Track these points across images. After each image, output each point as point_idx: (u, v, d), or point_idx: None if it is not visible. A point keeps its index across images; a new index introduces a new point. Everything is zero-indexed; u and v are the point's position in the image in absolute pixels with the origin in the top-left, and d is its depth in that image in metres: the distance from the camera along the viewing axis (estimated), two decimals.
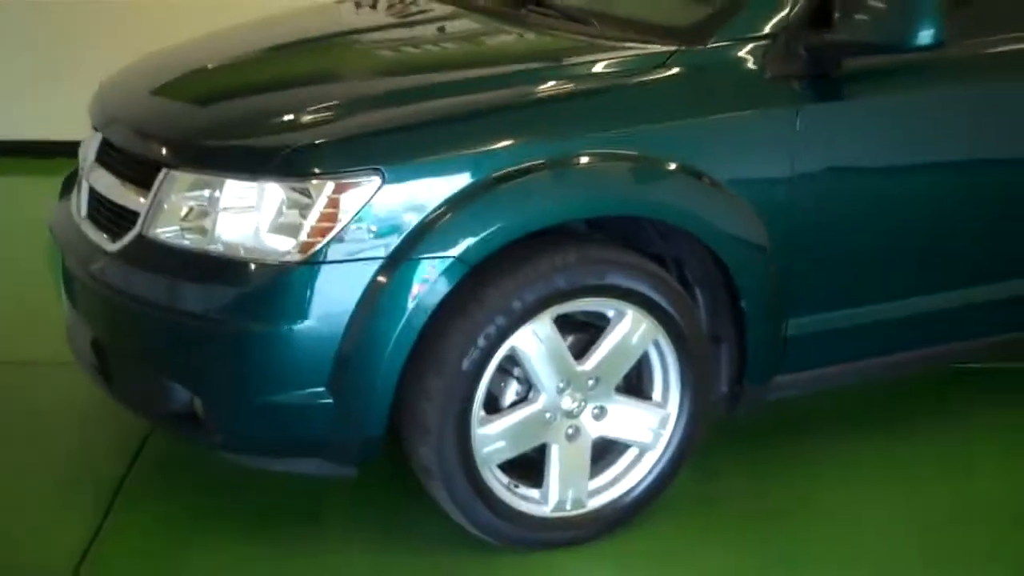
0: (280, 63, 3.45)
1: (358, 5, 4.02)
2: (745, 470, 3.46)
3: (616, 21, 3.27)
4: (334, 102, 2.97)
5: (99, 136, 3.26)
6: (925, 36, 2.88)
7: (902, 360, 3.44)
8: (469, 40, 3.48)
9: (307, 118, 2.90)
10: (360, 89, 3.12)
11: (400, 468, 3.01)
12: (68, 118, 4.51)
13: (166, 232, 2.87)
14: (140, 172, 2.98)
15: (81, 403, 3.68)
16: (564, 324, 2.96)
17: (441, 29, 3.53)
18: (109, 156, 3.18)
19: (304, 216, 2.71)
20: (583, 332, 3.02)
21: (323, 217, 2.69)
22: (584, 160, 2.84)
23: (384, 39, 3.61)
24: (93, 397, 3.39)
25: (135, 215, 2.95)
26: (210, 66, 3.42)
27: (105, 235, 3.06)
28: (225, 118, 3.06)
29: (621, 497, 3.11)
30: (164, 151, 2.93)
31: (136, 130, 3.10)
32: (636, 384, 3.11)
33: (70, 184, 3.48)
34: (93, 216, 3.18)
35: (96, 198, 3.18)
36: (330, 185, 2.69)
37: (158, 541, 3.12)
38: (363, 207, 2.69)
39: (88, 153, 3.29)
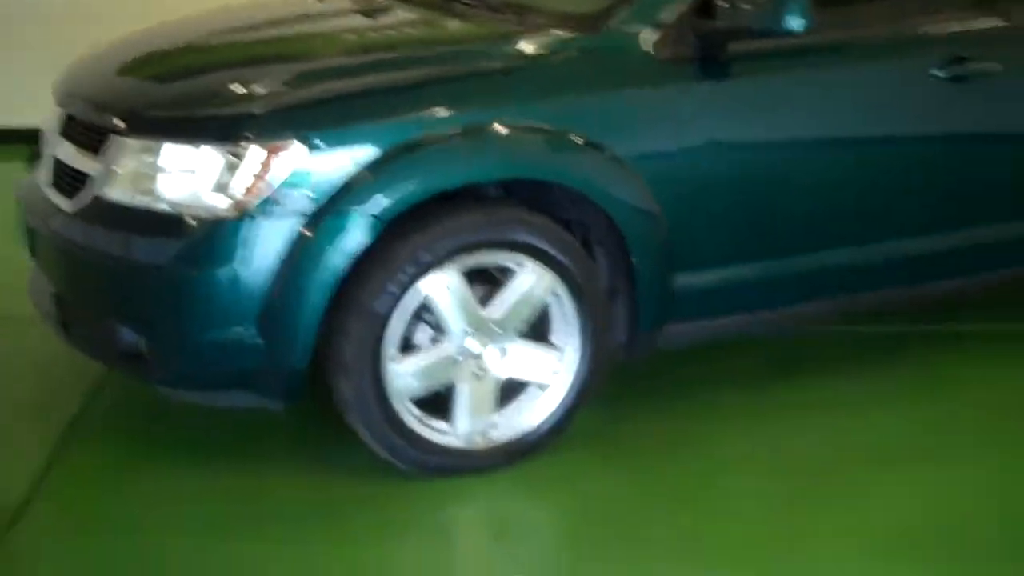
0: (224, 47, 3.83)
1: None
2: (649, 416, 3.82)
3: (528, 10, 3.66)
4: (269, 79, 3.35)
5: (61, 112, 3.63)
6: (795, 23, 3.28)
7: (785, 315, 3.84)
8: (397, 27, 3.88)
9: (243, 92, 3.29)
10: (293, 68, 3.50)
11: (329, 405, 3.39)
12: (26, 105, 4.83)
13: (118, 192, 3.25)
14: (96, 140, 3.36)
15: (39, 353, 4.05)
16: (477, 275, 3.34)
17: (373, 17, 3.91)
18: (70, 128, 3.55)
19: (238, 177, 3.09)
20: (492, 283, 3.40)
21: (255, 178, 3.08)
22: (484, 130, 3.23)
23: (322, 26, 3.99)
24: (52, 349, 3.77)
25: (92, 179, 3.33)
26: (161, 49, 3.81)
27: (66, 199, 3.44)
28: (170, 92, 3.46)
29: (525, 432, 3.49)
30: (115, 120, 3.32)
31: (92, 103, 3.49)
32: (540, 330, 3.50)
33: (37, 160, 3.86)
34: (57, 183, 3.55)
35: (59, 167, 3.56)
36: (260, 150, 3.07)
37: (108, 470, 3.50)
38: (290, 169, 3.07)
39: (52, 127, 3.67)
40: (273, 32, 3.91)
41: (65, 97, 3.65)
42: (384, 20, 3.87)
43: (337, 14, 4.08)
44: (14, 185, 3.89)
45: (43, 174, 3.65)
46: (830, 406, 3.90)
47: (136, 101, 3.42)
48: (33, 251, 3.66)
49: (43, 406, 3.86)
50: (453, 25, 3.74)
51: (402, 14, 3.89)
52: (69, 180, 3.46)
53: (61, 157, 3.54)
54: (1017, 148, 3.89)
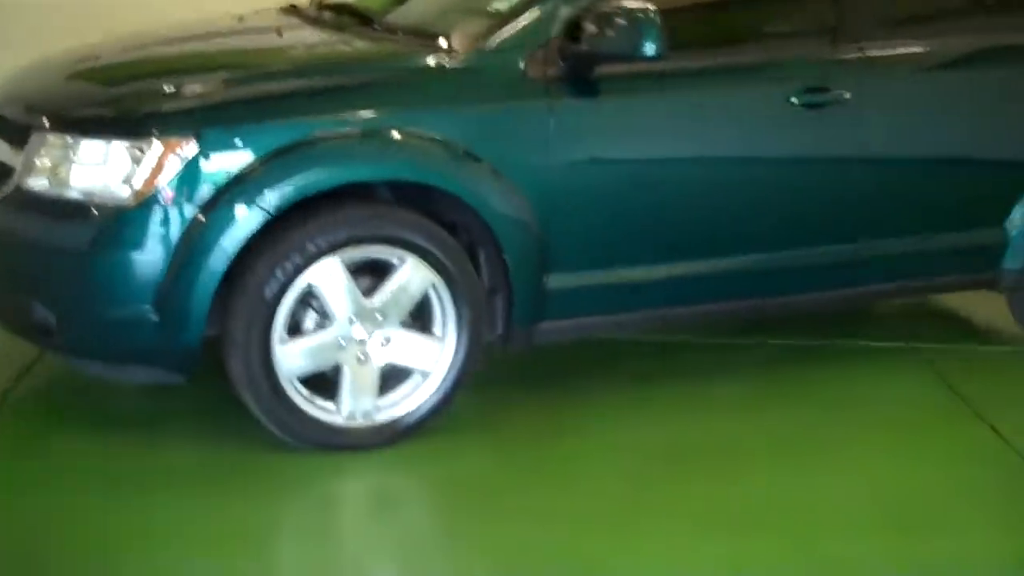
0: (142, 60, 4.18)
1: (240, 19, 4.77)
2: (526, 406, 4.17)
3: (418, 32, 4.05)
4: (176, 86, 3.73)
5: None
6: (649, 49, 3.67)
7: (649, 317, 4.20)
8: (300, 44, 4.26)
9: (152, 96, 3.67)
10: (199, 77, 3.86)
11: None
12: None
13: (37, 183, 3.62)
14: (20, 137, 3.72)
15: None
16: (366, 267, 3.69)
17: (280, 35, 4.30)
18: (2, 127, 3.92)
19: (140, 170, 3.45)
20: (380, 275, 3.75)
21: (153, 170, 3.44)
22: (367, 134, 3.61)
23: (231, 42, 4.35)
24: None
25: (15, 171, 3.69)
26: (86, 62, 4.16)
27: None
28: (88, 95, 3.85)
29: (406, 414, 3.83)
30: (40, 118, 3.69)
31: (20, 104, 3.86)
32: (425, 321, 3.84)
33: None
34: None
35: None
36: (159, 145, 3.44)
37: (27, 438, 3.85)
38: (186, 163, 3.44)
39: None
40: (188, 47, 4.28)
41: (1, 101, 4.03)
42: (289, 38, 4.25)
43: (248, 32, 4.46)
44: None
45: None
46: (698, 405, 4.26)
47: (58, 102, 3.80)
48: None
49: None
50: (352, 44, 4.12)
51: (307, 34, 4.28)
52: None
53: None
54: (865, 170, 4.25)
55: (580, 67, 3.83)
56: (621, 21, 3.71)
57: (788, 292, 4.32)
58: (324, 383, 3.77)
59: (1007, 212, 4.57)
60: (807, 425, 4.16)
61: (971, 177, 4.53)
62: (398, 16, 4.29)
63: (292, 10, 4.54)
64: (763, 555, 3.36)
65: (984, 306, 5.15)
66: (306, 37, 4.26)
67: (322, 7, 4.51)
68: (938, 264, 4.56)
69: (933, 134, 4.40)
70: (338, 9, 4.42)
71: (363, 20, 4.26)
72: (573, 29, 3.80)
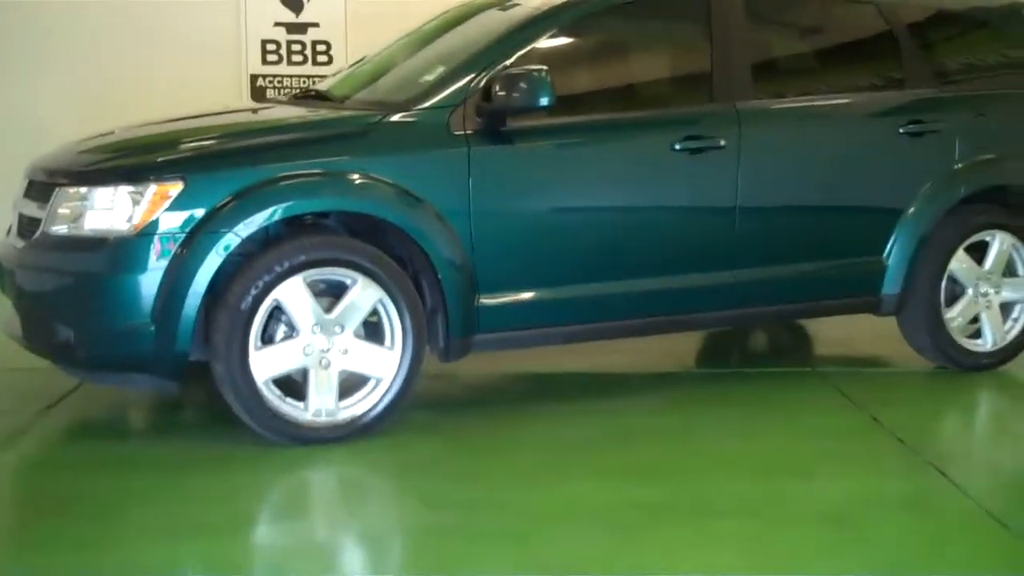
0: (142, 134, 5.04)
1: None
2: (468, 415, 4.98)
3: (368, 104, 4.98)
4: (169, 146, 4.65)
5: (27, 181, 4.91)
6: (543, 100, 4.58)
7: (573, 331, 5.00)
8: (270, 116, 5.23)
9: (148, 152, 4.62)
10: (189, 141, 4.74)
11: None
12: None
13: (59, 228, 4.50)
14: (45, 195, 4.62)
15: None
16: (327, 290, 4.53)
17: (256, 112, 5.24)
18: (30, 191, 4.83)
19: (139, 207, 4.33)
20: (338, 296, 4.57)
21: (149, 207, 4.32)
22: (319, 175, 4.50)
23: (219, 120, 5.20)
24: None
25: (41, 220, 4.59)
26: (94, 140, 5.07)
27: (23, 240, 4.69)
28: (97, 157, 4.75)
29: (364, 413, 4.61)
30: (58, 178, 4.60)
31: (45, 171, 4.77)
32: (379, 334, 4.65)
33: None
34: (20, 232, 4.80)
35: (22, 219, 4.82)
36: (153, 187, 4.33)
37: (51, 446, 4.68)
38: (174, 200, 4.32)
39: (18, 194, 4.95)
40: (181, 125, 5.15)
41: (30, 171, 4.94)
42: (263, 114, 5.19)
43: (229, 113, 5.37)
44: None
45: (11, 229, 4.91)
46: (614, 411, 5.06)
47: (76, 165, 4.71)
48: (3, 287, 4.88)
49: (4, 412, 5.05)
50: (317, 112, 5.05)
51: (277, 109, 5.22)
52: (28, 227, 4.71)
53: (23, 212, 4.80)
54: (741, 206, 5.09)
55: (493, 122, 4.72)
56: (521, 82, 4.62)
57: (685, 311, 5.13)
58: (294, 386, 4.57)
59: (885, 243, 5.41)
60: (719, 419, 4.97)
61: (843, 213, 5.38)
62: (355, 96, 5.22)
63: (266, 99, 5.50)
64: (661, 495, 4.09)
65: (880, 333, 5.96)
66: (276, 111, 5.20)
67: (294, 97, 5.48)
68: (824, 289, 5.38)
69: (801, 174, 5.28)
70: (306, 95, 5.37)
71: (326, 99, 5.21)
72: (486, 92, 4.71)
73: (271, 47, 8.28)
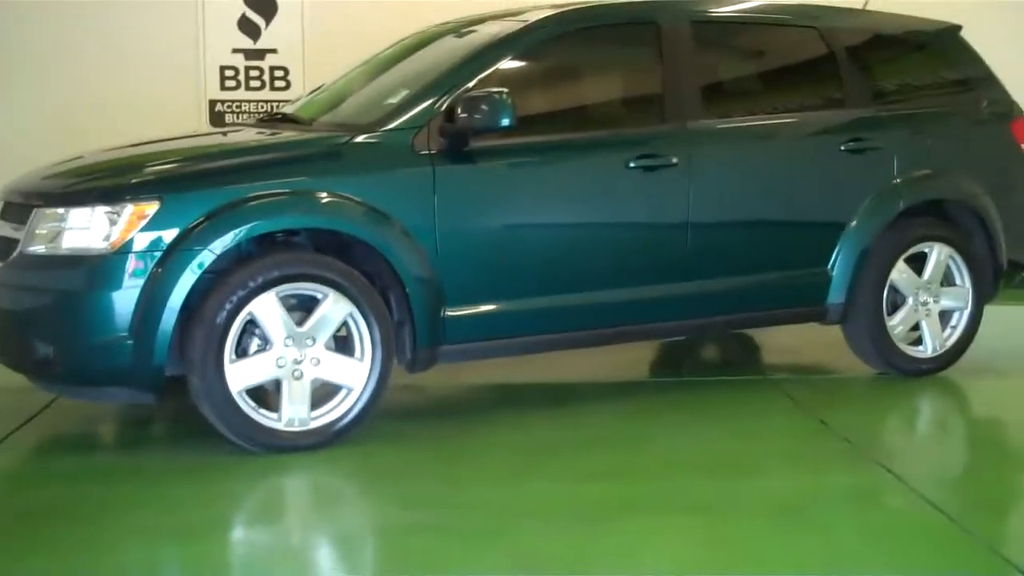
0: (116, 157, 5.21)
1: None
2: (433, 424, 5.18)
3: (334, 126, 5.18)
4: (145, 169, 4.82)
5: (2, 203, 5.05)
6: (504, 120, 4.80)
7: (534, 341, 5.21)
8: (239, 139, 5.39)
9: (125, 174, 4.79)
10: (164, 163, 4.94)
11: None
12: None
13: (36, 248, 4.64)
14: (23, 216, 4.76)
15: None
16: (300, 306, 4.70)
17: (226, 135, 5.42)
18: (7, 212, 4.96)
19: (117, 227, 4.49)
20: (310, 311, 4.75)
21: (126, 226, 4.48)
22: (289, 195, 4.68)
23: (189, 142, 5.42)
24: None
25: (19, 241, 4.73)
26: (69, 163, 5.21)
27: (2, 261, 4.83)
28: (73, 178, 4.90)
29: (334, 421, 4.78)
30: (36, 199, 4.75)
31: (21, 193, 4.92)
32: (349, 347, 4.82)
33: None
34: None
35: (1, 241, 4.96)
36: (130, 207, 4.49)
37: (30, 457, 4.81)
38: (151, 219, 4.48)
39: None
40: (153, 148, 5.32)
41: (5, 193, 5.08)
42: (232, 136, 5.38)
43: (199, 136, 5.59)
44: None
45: None
46: (571, 417, 5.30)
47: (52, 187, 4.86)
48: None
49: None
50: (286, 134, 5.24)
51: (249, 131, 5.40)
52: (4, 248, 4.85)
53: (1, 233, 4.94)
54: (693, 220, 5.33)
55: (456, 142, 4.94)
56: (483, 104, 4.83)
57: (641, 321, 5.36)
58: (267, 396, 4.74)
59: (829, 255, 5.67)
60: (674, 424, 5.20)
61: (789, 227, 5.65)
62: (322, 118, 5.42)
63: (228, 124, 5.69)
64: (623, 493, 4.31)
65: (826, 341, 6.22)
66: (245, 134, 5.40)
67: (260, 120, 5.66)
68: (773, 299, 5.64)
69: (749, 190, 5.54)
70: (272, 118, 5.55)
71: (293, 122, 5.40)
72: (449, 113, 4.92)
73: (229, 73, 8.45)
